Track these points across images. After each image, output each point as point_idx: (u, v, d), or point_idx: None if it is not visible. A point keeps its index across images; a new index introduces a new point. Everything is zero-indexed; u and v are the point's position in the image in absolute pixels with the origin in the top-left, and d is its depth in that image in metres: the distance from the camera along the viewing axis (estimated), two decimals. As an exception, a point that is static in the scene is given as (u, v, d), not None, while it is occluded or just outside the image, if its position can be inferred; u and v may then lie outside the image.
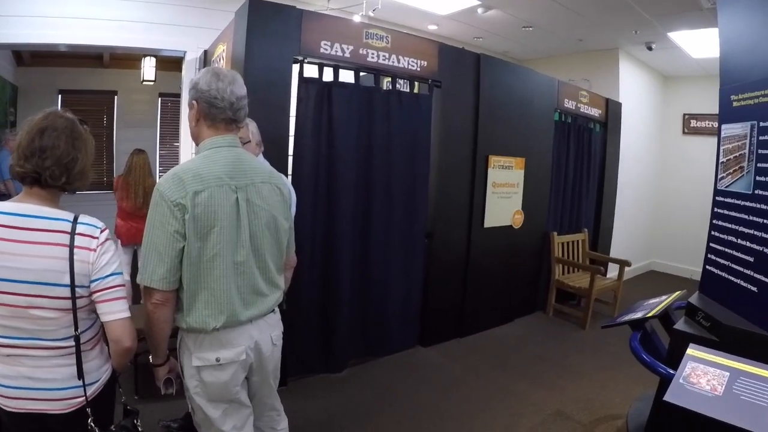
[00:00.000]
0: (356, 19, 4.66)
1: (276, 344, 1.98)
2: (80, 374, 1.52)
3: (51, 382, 1.49)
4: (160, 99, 8.15)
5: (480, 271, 4.77)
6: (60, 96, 7.67)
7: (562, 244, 5.62)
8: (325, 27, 3.55)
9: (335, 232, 3.69)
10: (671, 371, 2.06)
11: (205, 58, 4.70)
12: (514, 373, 4.09)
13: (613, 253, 6.52)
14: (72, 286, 1.45)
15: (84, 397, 1.54)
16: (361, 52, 3.72)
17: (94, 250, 1.49)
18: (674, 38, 5.98)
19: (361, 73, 3.83)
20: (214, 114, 1.77)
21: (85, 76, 7.65)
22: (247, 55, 3.22)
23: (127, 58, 7.41)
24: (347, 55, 3.64)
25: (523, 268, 5.31)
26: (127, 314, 1.55)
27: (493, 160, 4.67)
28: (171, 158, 8.14)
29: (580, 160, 5.93)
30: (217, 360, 1.76)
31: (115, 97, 7.94)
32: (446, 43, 4.37)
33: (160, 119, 8.21)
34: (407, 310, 4.27)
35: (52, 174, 1.45)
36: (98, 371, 1.61)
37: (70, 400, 1.52)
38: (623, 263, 5.54)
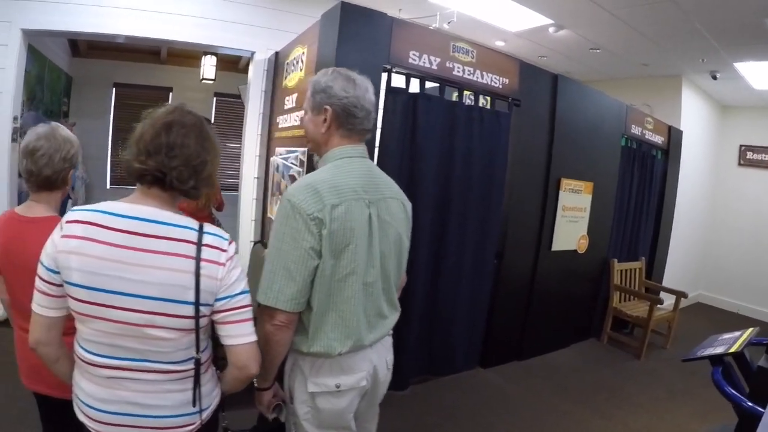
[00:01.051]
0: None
1: (389, 369, 1.88)
2: (196, 400, 1.37)
3: (159, 408, 1.33)
4: (215, 99, 8.13)
5: (543, 295, 4.67)
6: (114, 89, 7.65)
7: (620, 271, 5.49)
8: (414, 37, 3.49)
9: (411, 247, 3.58)
10: (757, 407, 1.98)
11: (277, 60, 4.65)
12: (574, 399, 3.99)
13: (665, 283, 6.36)
14: (197, 303, 1.27)
15: (199, 423, 1.40)
16: (447, 65, 3.65)
17: (223, 265, 1.31)
18: (740, 68, 5.88)
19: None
20: (353, 123, 1.65)
21: (141, 71, 7.62)
22: (338, 60, 3.13)
23: (185, 56, 7.40)
24: (434, 67, 3.57)
25: (582, 294, 5.19)
26: (255, 338, 1.39)
27: (565, 183, 4.57)
28: (225, 159, 8.10)
29: (641, 187, 5.80)
30: (337, 386, 1.64)
31: (170, 93, 7.90)
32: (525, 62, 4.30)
33: (215, 119, 8.17)
34: (472, 330, 4.16)
35: (179, 175, 1.28)
36: (210, 396, 1.44)
37: (179, 429, 1.37)
38: (680, 294, 5.38)
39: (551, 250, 4.63)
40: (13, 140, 4.63)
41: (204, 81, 6.78)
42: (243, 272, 1.39)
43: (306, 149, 3.43)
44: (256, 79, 4.78)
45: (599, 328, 5.43)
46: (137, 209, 1.27)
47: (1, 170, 4.59)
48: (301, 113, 3.62)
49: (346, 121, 1.65)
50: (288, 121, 4.01)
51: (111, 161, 7.79)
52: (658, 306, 5.07)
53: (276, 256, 1.52)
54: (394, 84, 3.45)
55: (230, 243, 1.36)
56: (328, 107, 1.64)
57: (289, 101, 4.00)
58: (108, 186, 7.90)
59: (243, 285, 1.36)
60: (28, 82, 4.91)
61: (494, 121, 3.96)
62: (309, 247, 1.50)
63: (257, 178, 4.86)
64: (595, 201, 4.97)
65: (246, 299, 1.36)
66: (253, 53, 4.86)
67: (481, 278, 4.11)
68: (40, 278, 1.29)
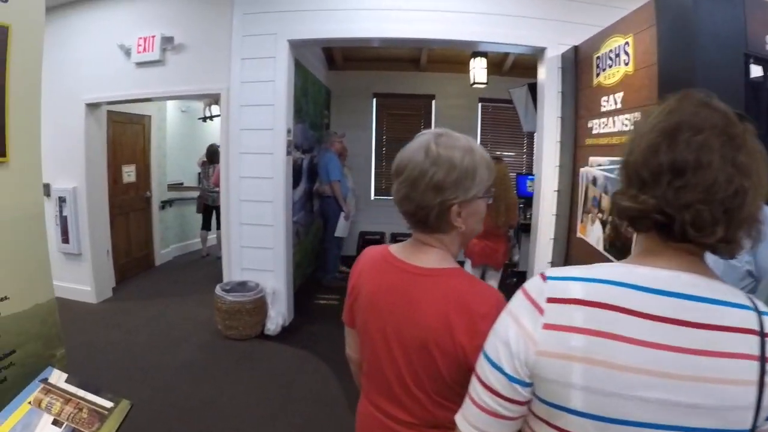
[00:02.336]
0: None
1: None
2: None
3: None
4: (480, 104, 7.87)
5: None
6: (374, 99, 7.90)
7: None
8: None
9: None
10: None
11: (576, 56, 4.29)
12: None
13: None
14: (752, 430, 0.75)
15: None
16: (802, 51, 3.11)
17: None
18: None
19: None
20: None
21: (400, 80, 7.72)
22: (696, 51, 2.77)
23: (445, 61, 7.38)
24: (791, 53, 3.06)
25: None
26: None
27: None
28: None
29: None
30: None
31: (433, 101, 7.88)
32: None
33: (481, 125, 7.99)
34: None
35: (696, 218, 0.76)
36: None
37: None
38: None
39: None
40: (288, 153, 4.77)
41: (475, 85, 6.53)
42: None
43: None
44: (549, 78, 4.39)
45: None
46: (673, 279, 0.80)
47: (277, 185, 4.72)
48: (634, 115, 3.38)
49: None
50: (608, 125, 3.69)
51: (375, 172, 8.08)
52: None
53: None
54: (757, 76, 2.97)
55: None
56: None
57: (608, 102, 3.70)
58: (372, 197, 8.07)
59: None
60: (295, 95, 5.02)
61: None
62: None
63: (558, 191, 4.34)
64: None
65: None
66: (543, 49, 4.46)
67: None
68: (490, 390, 0.88)
